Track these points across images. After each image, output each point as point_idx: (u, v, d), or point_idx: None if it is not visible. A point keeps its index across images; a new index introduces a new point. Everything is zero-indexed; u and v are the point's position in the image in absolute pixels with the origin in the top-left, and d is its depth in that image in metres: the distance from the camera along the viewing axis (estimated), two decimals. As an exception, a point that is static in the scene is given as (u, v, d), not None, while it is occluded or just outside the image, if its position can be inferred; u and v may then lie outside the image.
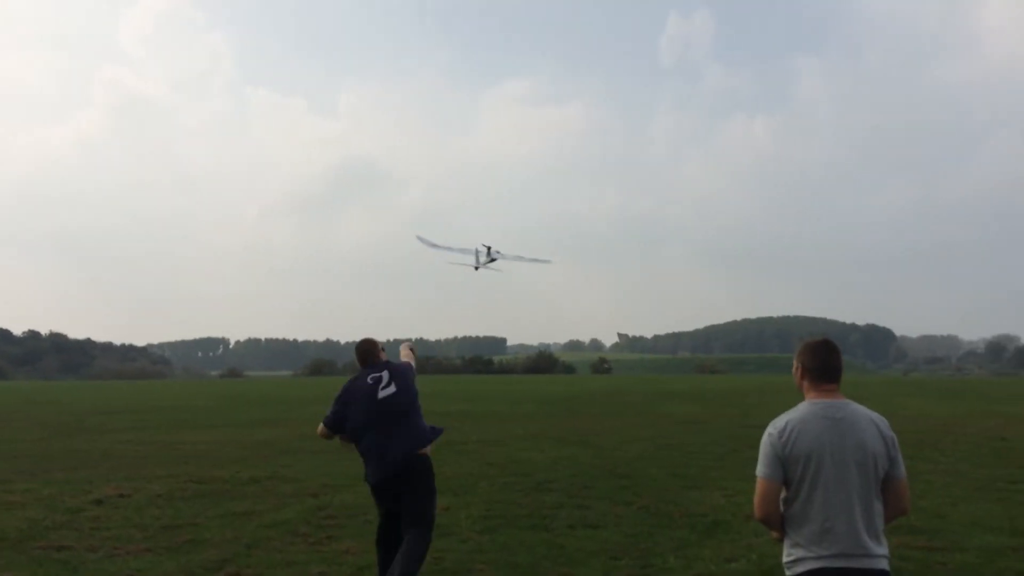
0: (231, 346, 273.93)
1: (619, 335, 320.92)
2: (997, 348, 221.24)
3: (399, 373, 6.40)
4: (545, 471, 12.53)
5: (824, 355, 3.55)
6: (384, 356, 6.57)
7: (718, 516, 9.04)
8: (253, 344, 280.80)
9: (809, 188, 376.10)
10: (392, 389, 6.27)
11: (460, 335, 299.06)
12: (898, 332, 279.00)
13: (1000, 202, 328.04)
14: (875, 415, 3.48)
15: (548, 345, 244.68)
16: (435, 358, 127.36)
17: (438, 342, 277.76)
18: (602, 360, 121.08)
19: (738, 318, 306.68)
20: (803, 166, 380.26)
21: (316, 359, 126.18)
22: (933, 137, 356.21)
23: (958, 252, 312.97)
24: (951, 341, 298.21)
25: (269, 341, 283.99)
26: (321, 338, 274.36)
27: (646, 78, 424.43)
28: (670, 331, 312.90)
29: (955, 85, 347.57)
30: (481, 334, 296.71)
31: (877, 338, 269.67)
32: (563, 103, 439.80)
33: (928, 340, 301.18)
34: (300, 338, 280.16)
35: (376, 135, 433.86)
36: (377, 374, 6.36)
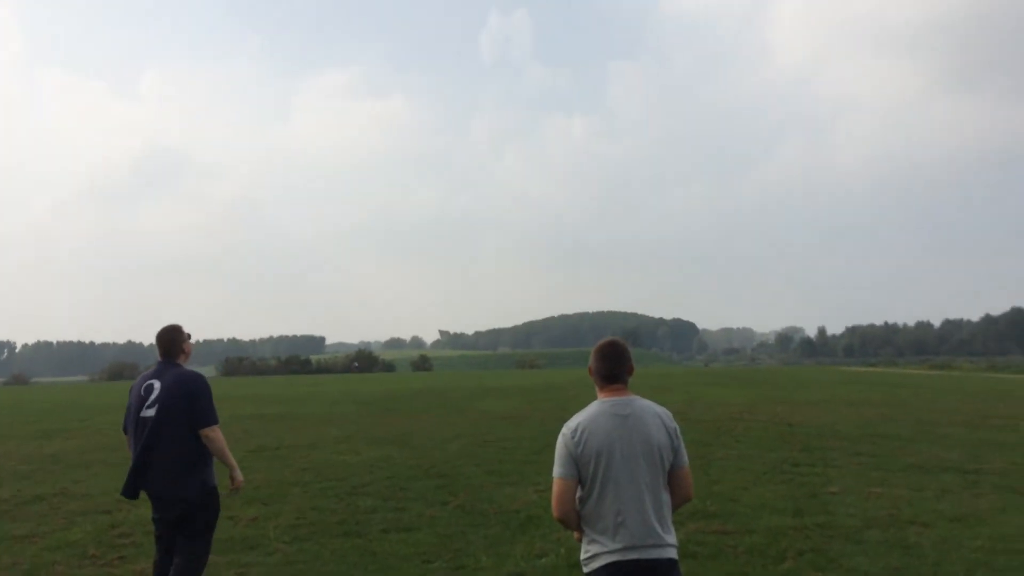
0: (17, 350, 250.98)
1: (440, 332, 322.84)
2: (785, 339, 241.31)
3: (171, 393, 5.27)
4: (360, 474, 12.31)
5: (610, 357, 3.69)
6: (188, 353, 5.59)
7: (531, 512, 9.21)
8: (43, 348, 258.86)
9: (622, 187, 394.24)
10: (152, 412, 5.26)
11: (276, 334, 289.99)
12: (701, 325, 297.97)
13: (789, 204, 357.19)
14: (659, 408, 3.64)
15: (368, 343, 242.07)
16: (249, 359, 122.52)
17: (252, 342, 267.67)
18: (423, 358, 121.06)
19: (556, 314, 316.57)
20: (616, 165, 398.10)
21: (115, 362, 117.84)
22: (730, 141, 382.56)
23: (753, 250, 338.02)
24: (747, 333, 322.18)
25: (61, 344, 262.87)
26: (122, 340, 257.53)
27: (468, 75, 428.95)
28: (491, 327, 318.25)
29: (750, 94, 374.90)
30: (299, 333, 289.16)
31: (682, 331, 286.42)
32: (385, 96, 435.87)
33: (727, 332, 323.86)
34: (97, 340, 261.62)
35: (184, 122, 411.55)
36: (151, 382, 5.36)
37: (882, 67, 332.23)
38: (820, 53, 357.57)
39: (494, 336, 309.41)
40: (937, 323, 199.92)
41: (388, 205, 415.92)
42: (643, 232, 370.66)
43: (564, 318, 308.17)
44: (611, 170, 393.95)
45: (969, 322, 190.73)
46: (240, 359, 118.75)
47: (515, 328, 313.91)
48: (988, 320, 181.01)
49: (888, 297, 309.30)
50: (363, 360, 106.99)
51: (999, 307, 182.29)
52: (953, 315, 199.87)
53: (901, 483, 10.65)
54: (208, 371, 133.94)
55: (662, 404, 3.71)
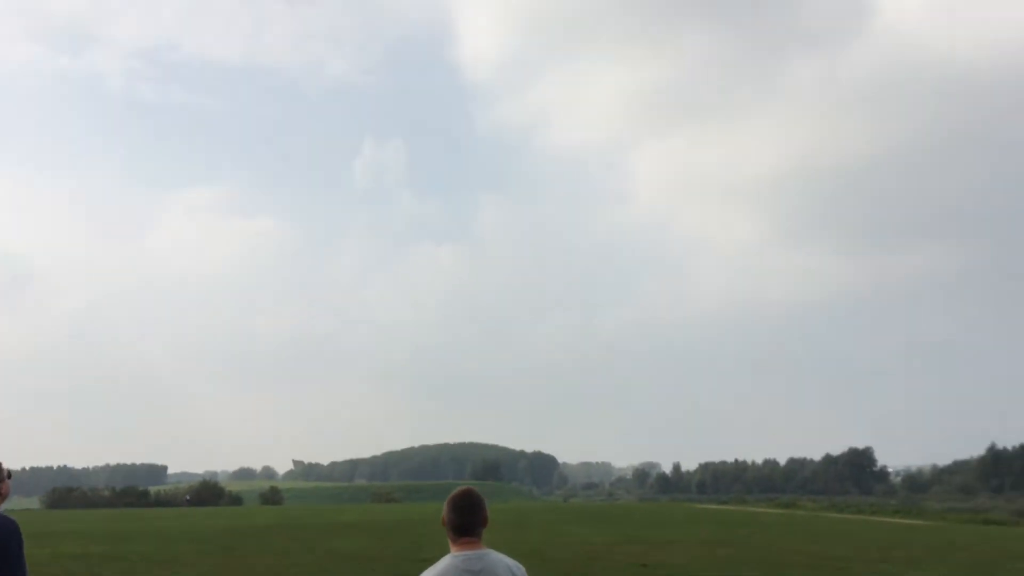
0: None
1: (294, 462, 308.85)
2: (642, 474, 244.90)
3: None
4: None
5: (464, 509, 3.59)
6: (5, 495, 4.91)
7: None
8: None
9: (486, 318, 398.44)
10: None
11: (113, 462, 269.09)
12: (561, 459, 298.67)
13: (647, 341, 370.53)
14: (512, 563, 3.54)
15: (215, 473, 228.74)
16: (79, 489, 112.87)
17: (85, 470, 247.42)
18: (273, 489, 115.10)
19: (415, 444, 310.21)
20: (482, 296, 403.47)
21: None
22: (592, 277, 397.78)
23: (612, 386, 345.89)
24: (605, 468, 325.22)
25: None
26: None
27: (340, 200, 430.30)
28: (348, 458, 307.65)
29: (613, 232, 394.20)
30: (138, 461, 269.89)
31: (542, 464, 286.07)
32: (252, 216, 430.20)
33: (586, 466, 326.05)
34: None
35: (27, 227, 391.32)
36: None
37: (729, 216, 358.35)
38: (675, 198, 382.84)
39: (351, 467, 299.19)
40: (783, 461, 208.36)
41: (246, 328, 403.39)
42: (506, 364, 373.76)
43: (424, 449, 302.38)
44: (477, 301, 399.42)
45: (811, 461, 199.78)
46: (69, 489, 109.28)
47: (373, 459, 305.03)
48: (828, 460, 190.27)
49: (738, 435, 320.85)
50: (199, 494, 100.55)
51: (838, 447, 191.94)
52: (797, 454, 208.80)
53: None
54: (31, 503, 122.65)
55: (520, 542, 3.66)
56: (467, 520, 3.57)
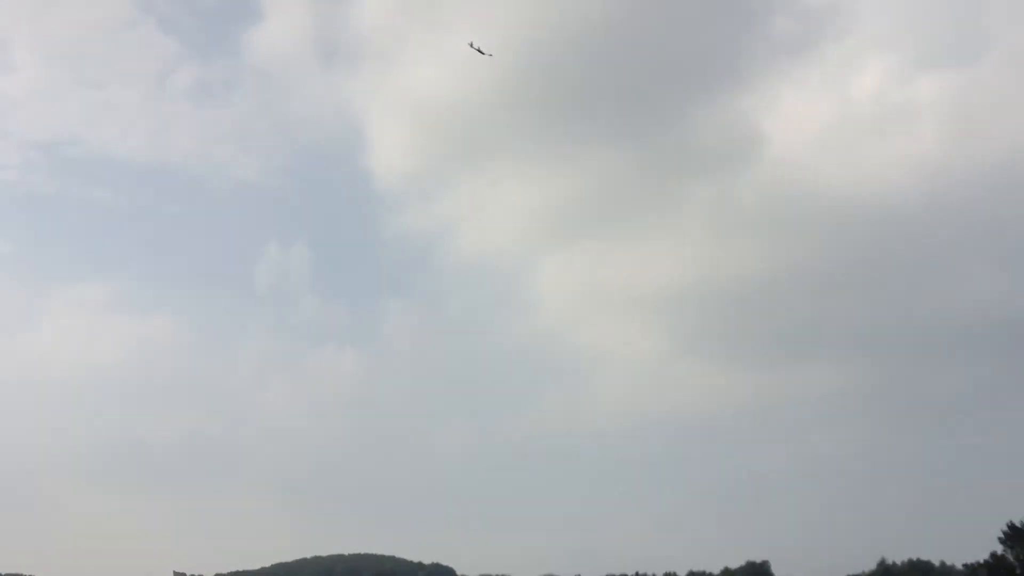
0: None
1: (175, 573, 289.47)
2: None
3: None
4: None
5: None
6: None
7: None
8: None
9: (387, 424, 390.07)
10: None
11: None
12: (459, 570, 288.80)
13: (548, 452, 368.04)
14: None
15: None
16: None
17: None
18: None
19: (308, 555, 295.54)
20: (384, 402, 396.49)
21: None
22: (497, 384, 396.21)
23: (513, 495, 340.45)
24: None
25: None
26: None
27: (240, 301, 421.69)
28: (235, 568, 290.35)
29: (518, 340, 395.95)
30: (3, 572, 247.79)
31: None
32: (146, 314, 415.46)
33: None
34: None
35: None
36: None
37: (631, 328, 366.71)
38: (579, 310, 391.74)
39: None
40: (682, 573, 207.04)
41: (131, 430, 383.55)
42: (406, 471, 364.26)
43: (317, 560, 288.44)
44: (378, 407, 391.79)
45: (711, 574, 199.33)
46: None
47: (263, 570, 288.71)
48: (728, 573, 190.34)
49: (640, 546, 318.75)
50: None
51: (736, 560, 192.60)
52: (696, 567, 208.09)
53: None
54: None
55: None
56: None
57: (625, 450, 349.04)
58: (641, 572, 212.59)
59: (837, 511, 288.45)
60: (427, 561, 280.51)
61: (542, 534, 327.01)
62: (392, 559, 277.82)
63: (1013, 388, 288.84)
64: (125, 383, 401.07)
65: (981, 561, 69.10)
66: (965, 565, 77.63)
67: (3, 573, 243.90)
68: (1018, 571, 65.38)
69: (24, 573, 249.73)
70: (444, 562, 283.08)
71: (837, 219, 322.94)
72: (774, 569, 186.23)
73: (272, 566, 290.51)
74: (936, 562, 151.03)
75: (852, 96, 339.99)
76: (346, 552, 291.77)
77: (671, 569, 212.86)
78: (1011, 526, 67.28)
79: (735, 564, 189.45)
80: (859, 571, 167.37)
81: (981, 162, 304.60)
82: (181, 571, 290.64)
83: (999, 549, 67.36)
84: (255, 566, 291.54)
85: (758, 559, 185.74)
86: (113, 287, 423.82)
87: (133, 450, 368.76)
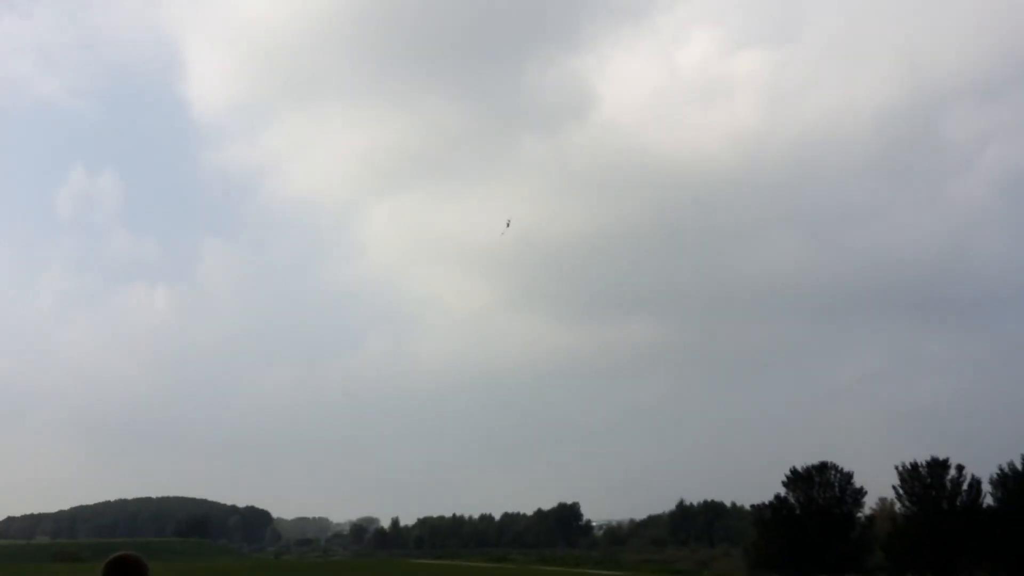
0: None
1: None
2: (360, 530, 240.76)
3: None
4: None
5: None
6: None
7: None
8: None
9: (202, 366, 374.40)
10: None
11: None
12: (275, 514, 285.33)
13: (370, 395, 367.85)
14: None
15: None
16: None
17: None
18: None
19: (112, 498, 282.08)
20: (199, 344, 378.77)
21: None
22: (319, 330, 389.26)
23: (332, 439, 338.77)
24: (322, 523, 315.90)
25: None
26: None
27: (39, 230, 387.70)
28: (28, 512, 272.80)
29: (343, 285, 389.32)
30: None
31: (255, 519, 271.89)
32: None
33: (302, 522, 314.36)
34: None
35: None
36: None
37: (461, 278, 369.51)
38: (408, 257, 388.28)
39: (31, 523, 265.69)
40: (498, 516, 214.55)
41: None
42: (221, 415, 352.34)
43: (122, 503, 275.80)
44: (193, 348, 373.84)
45: (524, 515, 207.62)
46: None
47: (59, 514, 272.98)
48: (540, 515, 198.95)
49: (457, 491, 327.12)
50: None
51: (549, 503, 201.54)
52: (511, 509, 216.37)
53: None
54: None
55: None
56: None
57: (447, 399, 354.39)
58: (458, 515, 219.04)
59: (643, 457, 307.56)
60: (241, 505, 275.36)
61: (361, 479, 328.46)
62: (204, 502, 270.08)
63: (807, 346, 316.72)
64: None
65: (767, 502, 76.02)
66: (753, 505, 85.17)
67: None
68: (798, 511, 72.70)
69: None
70: (259, 506, 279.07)
71: (661, 182, 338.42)
72: (583, 510, 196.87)
73: (71, 508, 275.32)
74: (728, 503, 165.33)
75: (679, 65, 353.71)
76: (154, 496, 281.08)
77: (487, 512, 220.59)
78: (793, 471, 74.49)
79: (547, 506, 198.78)
80: (660, 511, 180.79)
81: (791, 135, 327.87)
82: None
83: (783, 492, 74.40)
84: (52, 509, 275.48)
85: (569, 501, 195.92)
86: None
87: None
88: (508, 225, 49.87)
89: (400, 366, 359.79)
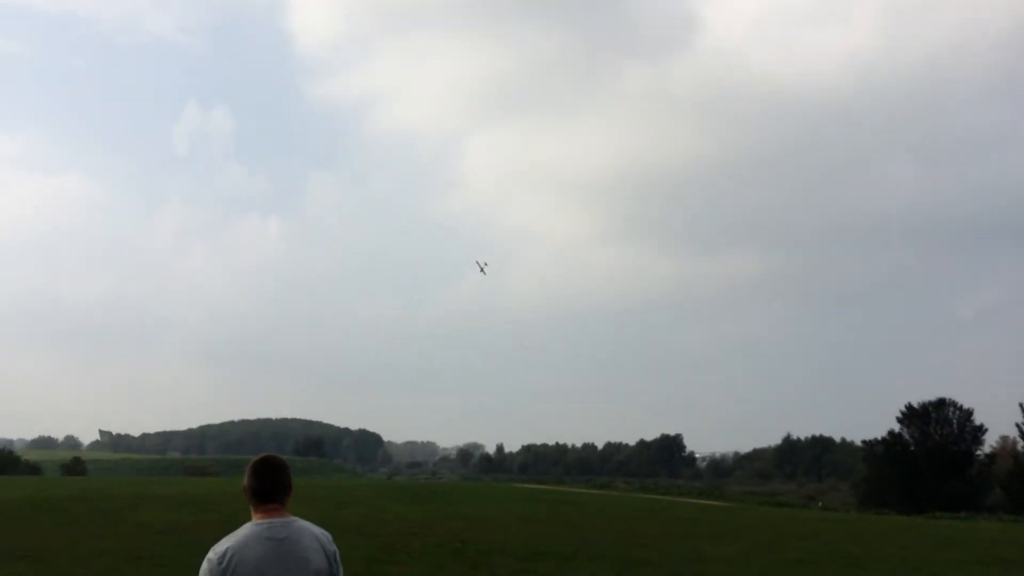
0: None
1: (101, 432, 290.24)
2: (466, 455, 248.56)
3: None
4: (-25, 598, 10.49)
5: (265, 474, 3.50)
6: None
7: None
8: None
9: (314, 295, 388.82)
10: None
11: None
12: (386, 438, 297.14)
13: (475, 325, 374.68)
14: (318, 531, 3.49)
15: (11, 441, 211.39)
16: None
17: None
18: (76, 460, 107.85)
19: (235, 418, 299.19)
20: (310, 273, 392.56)
21: None
22: (421, 261, 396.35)
23: (440, 367, 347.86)
24: (430, 447, 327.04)
25: None
26: None
27: (158, 163, 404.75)
28: (161, 429, 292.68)
29: (443, 217, 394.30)
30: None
31: (367, 442, 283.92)
32: (57, 173, 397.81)
33: (411, 446, 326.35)
34: None
35: None
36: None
37: (561, 210, 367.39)
38: (508, 189, 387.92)
39: (164, 439, 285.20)
40: (600, 445, 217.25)
41: (46, 290, 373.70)
42: (333, 342, 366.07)
43: (244, 423, 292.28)
44: (304, 278, 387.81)
45: (626, 446, 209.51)
46: None
47: (188, 432, 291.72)
48: (642, 445, 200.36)
49: (559, 420, 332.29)
50: (1, 459, 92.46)
51: (651, 434, 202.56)
52: (614, 439, 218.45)
53: (559, 600, 11.19)
54: None
55: (341, 519, 3.59)
56: (269, 485, 3.49)
57: (548, 330, 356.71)
58: (561, 443, 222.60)
59: (747, 391, 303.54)
60: (354, 428, 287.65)
61: (464, 406, 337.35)
62: (320, 424, 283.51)
63: (922, 280, 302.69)
64: (38, 242, 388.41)
65: (879, 438, 73.94)
66: (864, 441, 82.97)
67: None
68: (912, 447, 70.44)
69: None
70: (370, 429, 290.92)
71: (769, 108, 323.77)
72: (686, 442, 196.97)
73: (199, 427, 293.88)
74: (837, 439, 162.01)
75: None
76: (273, 417, 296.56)
77: (590, 441, 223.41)
78: (909, 407, 71.92)
79: (650, 437, 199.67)
80: (765, 445, 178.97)
81: (912, 57, 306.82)
82: (107, 429, 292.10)
83: (896, 428, 72.15)
84: (181, 428, 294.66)
85: (672, 432, 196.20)
86: (21, 142, 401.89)
87: (52, 310, 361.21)
88: (483, 269, 50.55)
89: (501, 298, 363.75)
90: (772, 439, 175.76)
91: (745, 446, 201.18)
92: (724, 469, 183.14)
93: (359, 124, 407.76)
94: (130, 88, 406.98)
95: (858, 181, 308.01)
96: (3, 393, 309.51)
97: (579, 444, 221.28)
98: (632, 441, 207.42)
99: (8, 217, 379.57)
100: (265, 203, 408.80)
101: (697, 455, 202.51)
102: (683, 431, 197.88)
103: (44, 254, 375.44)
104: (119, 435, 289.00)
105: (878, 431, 74.25)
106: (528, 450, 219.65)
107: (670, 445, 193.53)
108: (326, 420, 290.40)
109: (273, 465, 3.53)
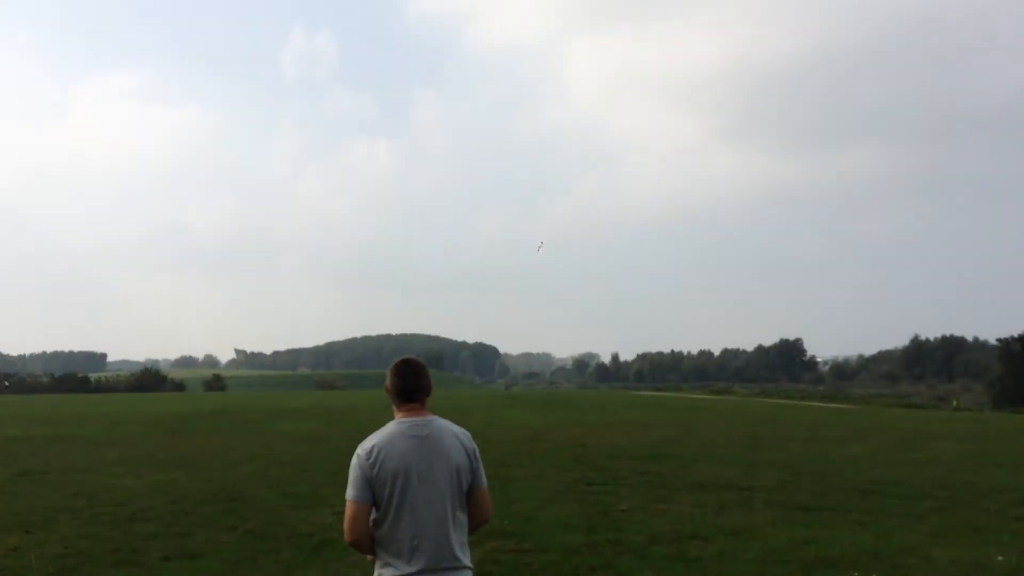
0: None
1: (236, 351, 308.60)
2: (582, 364, 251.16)
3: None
4: (141, 499, 11.43)
5: (407, 374, 3.58)
6: None
7: (325, 535, 8.91)
8: None
9: (425, 212, 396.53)
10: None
11: (50, 349, 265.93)
12: (502, 350, 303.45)
13: (586, 235, 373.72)
14: (458, 429, 3.57)
15: (156, 361, 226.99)
16: (17, 375, 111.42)
17: (22, 357, 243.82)
18: (216, 377, 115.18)
19: (358, 335, 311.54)
20: (419, 191, 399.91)
21: None
22: (528, 173, 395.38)
23: (550, 277, 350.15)
24: (546, 358, 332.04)
25: None
26: None
27: (268, 90, 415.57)
28: (290, 347, 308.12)
29: (547, 129, 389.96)
30: (76, 348, 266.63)
31: (485, 354, 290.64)
32: (177, 105, 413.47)
33: (527, 357, 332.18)
34: None
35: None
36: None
37: (666, 114, 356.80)
38: (611, 94, 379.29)
39: (293, 356, 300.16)
40: (717, 352, 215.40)
41: (178, 218, 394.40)
42: (446, 257, 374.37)
43: (367, 339, 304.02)
44: (414, 195, 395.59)
45: (744, 351, 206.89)
46: (6, 375, 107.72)
47: (316, 348, 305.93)
48: (760, 350, 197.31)
49: (675, 327, 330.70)
50: (141, 380, 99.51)
51: (769, 339, 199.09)
52: (731, 345, 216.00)
53: (684, 500, 11.28)
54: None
55: (463, 426, 3.65)
56: (411, 384, 3.57)
57: (660, 236, 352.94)
58: (677, 350, 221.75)
59: (871, 292, 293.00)
60: (471, 341, 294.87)
61: (579, 317, 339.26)
62: (438, 339, 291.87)
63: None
64: (162, 172, 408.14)
65: (1016, 335, 70.23)
66: (999, 339, 78.96)
67: (77, 350, 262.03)
68: (1051, 345, 66.70)
69: (96, 350, 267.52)
70: (487, 342, 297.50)
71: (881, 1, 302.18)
72: (807, 346, 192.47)
73: (324, 344, 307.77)
74: (969, 338, 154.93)
75: None
76: (393, 332, 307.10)
77: (706, 347, 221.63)
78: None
79: (768, 342, 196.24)
80: (891, 347, 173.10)
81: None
82: (241, 348, 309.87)
83: (1035, 325, 68.24)
84: (308, 345, 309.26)
85: (791, 336, 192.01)
86: (138, 77, 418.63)
87: (180, 235, 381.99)
88: (540, 247, 48.17)
89: (612, 205, 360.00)
90: (899, 340, 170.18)
91: (870, 349, 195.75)
92: (848, 372, 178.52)
93: (460, 39, 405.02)
94: (234, 16, 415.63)
95: (987, 68, 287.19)
96: (146, 317, 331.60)
97: (695, 351, 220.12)
98: (750, 347, 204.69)
99: (133, 150, 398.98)
100: (373, 125, 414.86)
101: (819, 359, 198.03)
102: (803, 335, 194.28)
103: (170, 184, 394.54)
104: (253, 353, 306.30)
105: (1014, 328, 70.72)
106: (643, 358, 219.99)
107: (790, 350, 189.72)
108: (444, 335, 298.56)
109: (414, 366, 3.62)
